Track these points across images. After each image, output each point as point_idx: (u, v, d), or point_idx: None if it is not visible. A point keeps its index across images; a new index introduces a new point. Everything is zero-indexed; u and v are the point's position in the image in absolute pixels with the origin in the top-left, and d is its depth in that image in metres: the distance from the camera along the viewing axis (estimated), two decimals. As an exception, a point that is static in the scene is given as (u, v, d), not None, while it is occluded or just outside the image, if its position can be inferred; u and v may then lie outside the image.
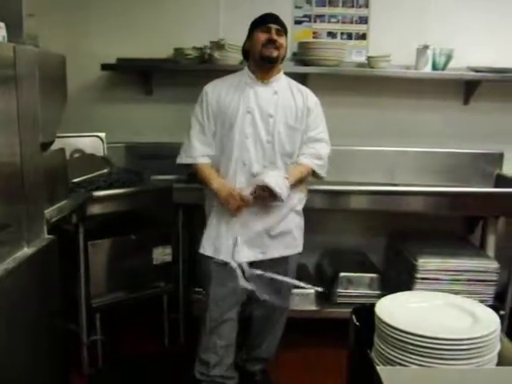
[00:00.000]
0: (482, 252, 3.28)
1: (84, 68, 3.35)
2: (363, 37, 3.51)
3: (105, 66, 3.28)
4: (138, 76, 3.50)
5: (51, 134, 2.12)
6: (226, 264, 2.45)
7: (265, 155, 2.45)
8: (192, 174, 2.69)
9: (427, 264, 3.09)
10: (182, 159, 2.56)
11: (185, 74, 3.42)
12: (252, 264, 2.47)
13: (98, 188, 2.72)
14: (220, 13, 3.42)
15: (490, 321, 1.38)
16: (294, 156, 2.53)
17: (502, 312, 3.09)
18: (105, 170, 2.88)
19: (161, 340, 3.16)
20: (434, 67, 3.37)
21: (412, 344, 1.30)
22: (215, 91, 2.49)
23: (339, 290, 3.23)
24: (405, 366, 1.30)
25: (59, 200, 2.27)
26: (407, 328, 1.31)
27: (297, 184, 2.52)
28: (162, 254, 2.98)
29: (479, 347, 1.29)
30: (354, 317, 1.56)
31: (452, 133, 3.60)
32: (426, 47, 3.29)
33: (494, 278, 3.10)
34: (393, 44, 3.43)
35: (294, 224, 2.58)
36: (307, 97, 2.55)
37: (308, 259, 3.56)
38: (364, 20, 3.49)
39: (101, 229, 2.87)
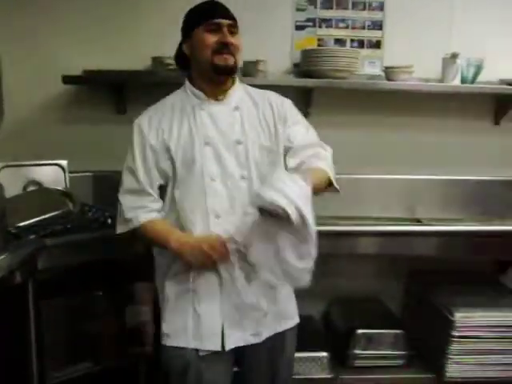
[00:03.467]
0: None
1: (43, 81, 2.80)
2: (377, 45, 2.98)
3: (68, 79, 2.69)
4: (109, 91, 2.91)
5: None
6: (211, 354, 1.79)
7: (243, 199, 1.77)
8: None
9: (466, 319, 2.54)
10: (121, 227, 1.85)
11: (165, 88, 2.83)
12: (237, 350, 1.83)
13: (53, 233, 2.11)
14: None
15: None
16: None
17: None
18: (64, 209, 2.27)
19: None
20: (462, 80, 2.87)
21: None
22: (153, 124, 1.81)
23: (357, 352, 2.65)
24: None
25: (-6, 255, 1.67)
26: None
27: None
28: (137, 314, 2.37)
29: None
30: None
31: (482, 157, 3.09)
32: (454, 56, 2.79)
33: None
34: (412, 53, 2.93)
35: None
36: (276, 102, 1.90)
37: (313, 308, 3.02)
38: (378, 25, 2.96)
39: (58, 284, 2.25)
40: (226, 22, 1.75)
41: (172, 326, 1.81)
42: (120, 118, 2.94)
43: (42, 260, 2.06)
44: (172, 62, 2.63)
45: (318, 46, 2.94)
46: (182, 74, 1.93)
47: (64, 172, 2.65)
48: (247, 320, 1.79)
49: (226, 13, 1.78)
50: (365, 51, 2.96)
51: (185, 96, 1.86)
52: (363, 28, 2.96)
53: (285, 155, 1.86)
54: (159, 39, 2.84)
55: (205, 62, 1.76)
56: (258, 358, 1.87)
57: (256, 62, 2.76)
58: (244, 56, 2.76)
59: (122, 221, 1.84)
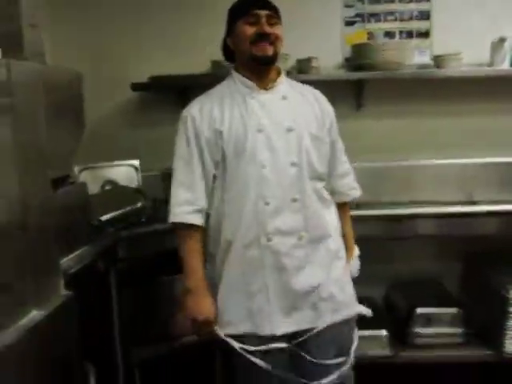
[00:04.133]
0: None
1: (112, 89, 3.06)
2: (426, 35, 3.06)
3: (136, 86, 2.95)
4: (174, 95, 3.13)
5: (64, 167, 1.77)
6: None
7: (292, 185, 1.80)
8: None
9: (522, 296, 2.58)
10: (172, 217, 1.89)
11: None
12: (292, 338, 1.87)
13: (130, 225, 2.35)
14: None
15: None
16: (324, 177, 1.91)
17: None
18: (138, 204, 2.51)
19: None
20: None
21: None
22: (204, 113, 1.83)
23: (416, 330, 2.75)
24: None
25: (80, 245, 1.91)
26: None
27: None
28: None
29: None
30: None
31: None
32: (502, 40, 2.85)
33: None
34: (461, 41, 3.00)
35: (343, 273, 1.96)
36: (322, 98, 1.96)
37: (374, 292, 3.11)
38: (425, 15, 3.05)
39: (137, 272, 2.50)
40: (263, 12, 1.78)
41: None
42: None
43: (121, 250, 2.31)
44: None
45: (368, 39, 3.05)
46: (229, 65, 2.01)
47: (136, 171, 2.90)
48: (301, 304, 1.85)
49: (264, 3, 1.81)
50: (414, 41, 3.05)
51: (233, 86, 1.88)
52: (411, 19, 3.05)
53: (330, 154, 1.94)
54: (217, 43, 3.04)
55: (245, 54, 1.81)
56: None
57: (309, 59, 2.91)
58: (296, 53, 2.93)
59: (174, 213, 1.87)
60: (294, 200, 1.80)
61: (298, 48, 2.89)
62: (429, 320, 2.75)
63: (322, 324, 1.84)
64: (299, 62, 2.95)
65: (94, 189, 2.70)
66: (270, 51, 1.79)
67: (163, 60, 3.05)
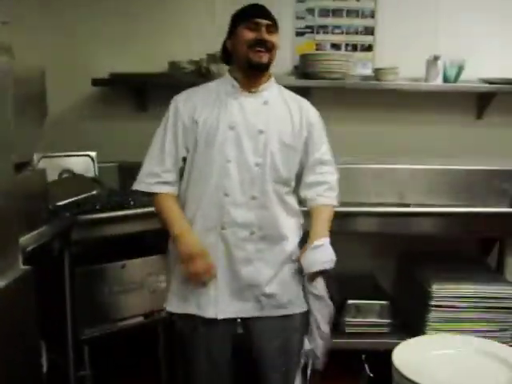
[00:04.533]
0: (500, 276, 3.07)
1: (74, 83, 3.21)
2: (369, 48, 3.33)
3: (96, 82, 3.11)
4: (132, 92, 3.33)
5: (27, 153, 1.93)
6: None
7: (253, 183, 1.96)
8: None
9: (442, 290, 2.87)
10: (137, 185, 2.08)
11: (181, 89, 3.23)
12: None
13: (85, 211, 2.52)
14: (217, 24, 3.24)
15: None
16: (290, 183, 2.06)
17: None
18: (93, 192, 2.67)
19: (157, 377, 2.92)
20: (445, 79, 3.19)
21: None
22: (188, 103, 2.01)
23: (347, 319, 3.00)
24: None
25: (38, 226, 2.07)
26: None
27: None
28: (156, 282, 2.76)
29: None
30: (366, 366, 1.33)
31: (465, 149, 3.40)
32: (436, 58, 3.12)
33: (515, 305, 2.88)
34: (401, 56, 3.26)
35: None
36: (307, 108, 2.10)
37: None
38: (370, 31, 3.31)
39: (90, 255, 2.67)
40: (264, 21, 1.93)
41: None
42: (142, 115, 3.36)
43: (75, 233, 2.47)
44: (186, 65, 3.08)
45: (317, 50, 3.30)
46: (226, 66, 2.16)
47: (93, 162, 3.06)
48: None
49: (265, 14, 1.97)
50: (358, 54, 3.31)
51: (222, 85, 2.04)
52: (356, 33, 3.30)
53: (302, 164, 2.08)
54: (175, 46, 3.25)
55: (242, 57, 1.95)
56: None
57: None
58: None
59: (139, 181, 2.07)
60: (253, 198, 1.96)
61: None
62: (359, 310, 3.00)
63: (263, 314, 2.02)
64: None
65: (51, 176, 2.84)
66: (265, 58, 1.95)
67: (124, 58, 3.22)
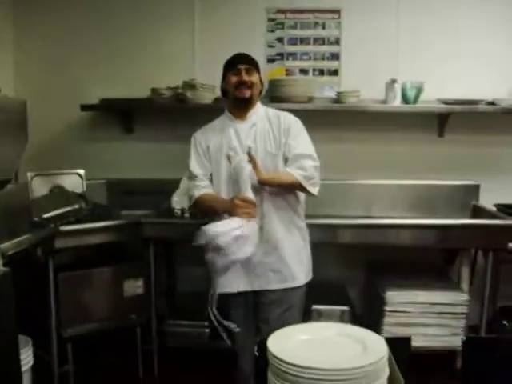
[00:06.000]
0: (456, 285, 3.28)
1: (66, 107, 3.56)
2: (335, 72, 3.61)
3: (85, 107, 3.45)
4: (120, 115, 3.67)
5: (7, 172, 2.25)
6: None
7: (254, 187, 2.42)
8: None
9: (395, 296, 3.10)
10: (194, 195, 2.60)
11: (162, 113, 3.58)
12: None
13: (68, 223, 2.84)
14: (195, 53, 3.58)
15: (376, 350, 1.41)
16: None
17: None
18: (76, 206, 3.00)
19: (135, 372, 3.22)
20: (406, 101, 3.43)
21: (290, 374, 1.34)
22: (203, 135, 2.62)
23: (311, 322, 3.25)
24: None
25: (19, 234, 2.39)
26: (287, 358, 1.35)
27: (279, 186, 2.49)
28: (133, 287, 3.07)
29: (358, 377, 1.32)
30: (255, 347, 1.60)
31: (428, 165, 3.64)
32: (393, 81, 3.37)
33: (465, 311, 3.09)
34: (365, 79, 3.53)
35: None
36: (284, 119, 2.57)
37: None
38: (336, 56, 3.60)
39: (72, 262, 2.99)
40: (243, 66, 2.50)
41: None
42: (129, 136, 3.71)
43: (58, 242, 2.79)
44: (165, 91, 3.41)
45: (286, 75, 3.60)
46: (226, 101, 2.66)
47: (81, 179, 3.38)
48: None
49: (244, 60, 2.54)
50: (325, 78, 3.60)
51: (224, 118, 2.62)
52: (323, 59, 3.60)
53: (286, 160, 2.51)
54: (158, 73, 3.58)
55: (231, 95, 2.54)
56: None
57: (234, 90, 3.43)
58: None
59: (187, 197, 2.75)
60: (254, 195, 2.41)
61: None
62: (321, 315, 3.25)
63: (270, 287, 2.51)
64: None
65: (43, 192, 3.18)
66: (247, 94, 2.49)
67: (110, 85, 3.58)
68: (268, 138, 2.53)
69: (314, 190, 2.55)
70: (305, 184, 2.48)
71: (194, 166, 2.61)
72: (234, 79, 2.50)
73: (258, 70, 2.57)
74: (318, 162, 2.56)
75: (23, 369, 2.46)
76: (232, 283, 2.45)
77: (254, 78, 2.53)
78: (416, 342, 3.03)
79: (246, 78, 2.49)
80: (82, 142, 3.67)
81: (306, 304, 3.36)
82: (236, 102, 2.54)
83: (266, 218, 2.48)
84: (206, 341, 3.28)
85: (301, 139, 2.56)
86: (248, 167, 2.35)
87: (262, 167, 2.43)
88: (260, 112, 2.60)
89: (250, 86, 2.50)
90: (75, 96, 3.50)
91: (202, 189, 2.58)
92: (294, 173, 2.46)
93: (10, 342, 2.24)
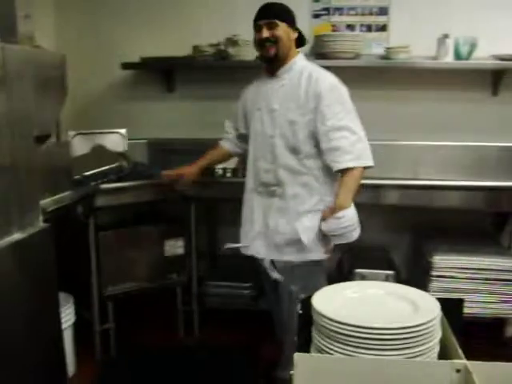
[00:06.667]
0: (506, 250, 3.15)
1: (107, 66, 3.52)
2: (383, 28, 3.44)
3: (126, 65, 3.40)
4: (161, 74, 3.61)
5: (46, 128, 2.22)
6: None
7: (272, 151, 2.36)
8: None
9: (442, 261, 3.01)
10: None
11: (203, 71, 3.50)
12: None
13: (108, 181, 2.82)
14: (237, 8, 3.45)
15: (428, 310, 1.34)
16: (301, 151, 2.32)
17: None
18: (117, 164, 2.97)
19: (174, 331, 3.22)
20: (458, 57, 3.25)
21: (337, 332, 1.28)
22: (246, 90, 2.57)
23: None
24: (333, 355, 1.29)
25: (60, 191, 2.38)
26: (335, 317, 1.29)
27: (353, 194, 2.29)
28: (173, 247, 3.05)
29: (409, 337, 1.25)
30: (299, 305, 1.54)
31: (481, 125, 3.45)
32: (445, 36, 3.19)
33: (515, 277, 2.97)
34: (415, 35, 3.35)
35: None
36: (316, 81, 2.27)
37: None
38: (384, 11, 3.42)
39: (113, 221, 2.98)
40: (263, 21, 2.29)
41: None
42: (169, 95, 3.65)
43: (99, 200, 2.78)
44: (207, 49, 3.32)
45: (332, 31, 3.44)
46: None
47: (123, 138, 3.35)
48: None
49: (265, 14, 2.30)
50: (372, 34, 3.43)
51: (262, 75, 2.49)
52: (371, 14, 3.42)
53: (315, 133, 2.30)
54: (198, 30, 3.48)
55: (258, 53, 2.41)
56: None
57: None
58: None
59: None
60: (272, 163, 2.38)
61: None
62: (364, 279, 3.17)
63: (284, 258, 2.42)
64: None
65: (84, 151, 3.16)
66: (271, 52, 2.30)
67: (152, 43, 3.50)
68: (293, 101, 2.31)
69: (370, 162, 2.30)
70: (361, 164, 2.25)
71: (230, 117, 2.68)
72: (256, 37, 2.33)
73: (286, 20, 2.30)
74: (359, 133, 2.28)
75: (64, 326, 2.50)
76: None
77: (280, 31, 2.27)
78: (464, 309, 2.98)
79: (266, 34, 2.27)
80: (123, 101, 3.63)
81: (349, 268, 3.32)
82: (263, 61, 2.40)
83: None
84: (247, 302, 3.26)
85: (339, 108, 2.26)
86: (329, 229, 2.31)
87: (280, 134, 2.34)
88: (295, 69, 2.35)
89: (276, 41, 2.27)
90: (116, 55, 3.44)
91: (222, 141, 2.74)
92: (345, 165, 2.23)
93: (51, 298, 2.25)
